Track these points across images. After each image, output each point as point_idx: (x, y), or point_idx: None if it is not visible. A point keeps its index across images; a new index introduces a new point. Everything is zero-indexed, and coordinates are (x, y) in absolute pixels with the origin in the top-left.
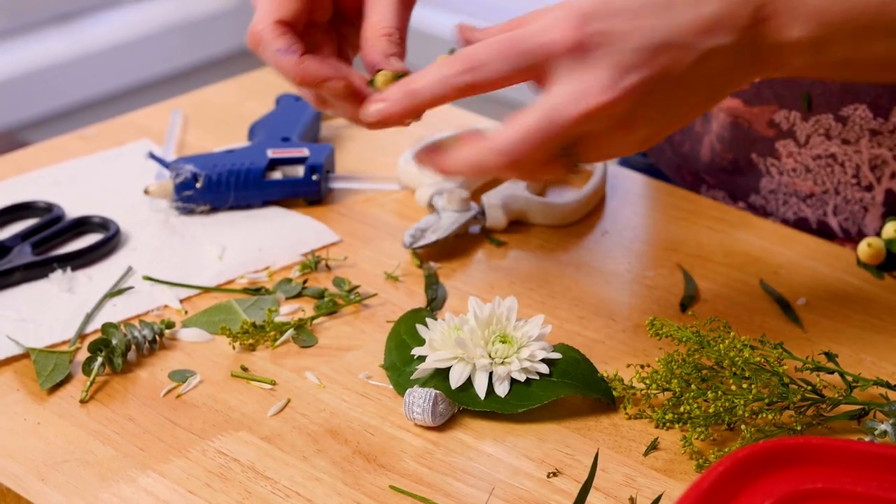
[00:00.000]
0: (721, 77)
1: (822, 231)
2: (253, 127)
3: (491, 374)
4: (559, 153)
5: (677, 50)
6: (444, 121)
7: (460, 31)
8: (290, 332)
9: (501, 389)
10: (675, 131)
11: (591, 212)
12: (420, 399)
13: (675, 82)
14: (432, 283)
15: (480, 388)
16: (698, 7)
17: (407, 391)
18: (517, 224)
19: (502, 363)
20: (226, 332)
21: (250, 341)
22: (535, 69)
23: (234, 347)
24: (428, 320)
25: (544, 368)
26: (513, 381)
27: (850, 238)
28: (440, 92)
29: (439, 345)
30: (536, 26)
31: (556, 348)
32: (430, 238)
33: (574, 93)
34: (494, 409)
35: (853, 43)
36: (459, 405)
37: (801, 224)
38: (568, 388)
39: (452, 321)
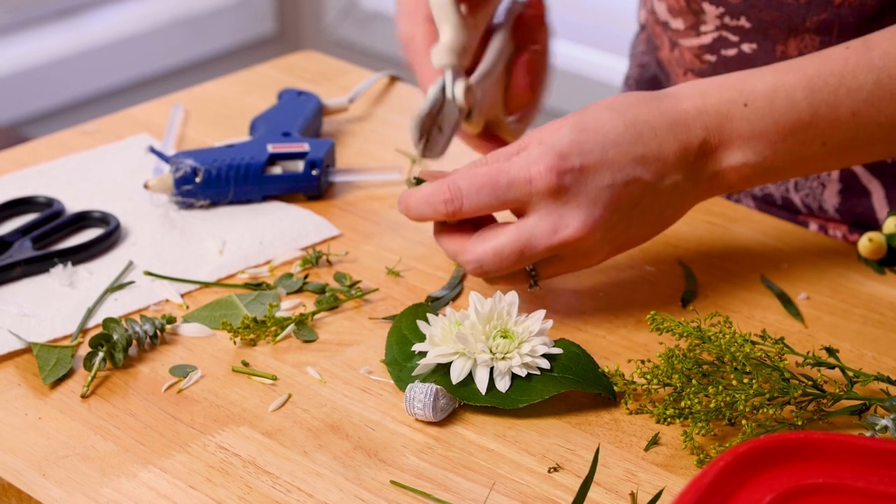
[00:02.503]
0: (672, 206)
1: (787, 206)
2: (254, 121)
3: (492, 369)
4: (525, 270)
5: (637, 188)
6: None
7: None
8: (291, 327)
9: (502, 384)
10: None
11: None
12: (421, 394)
13: (633, 215)
14: (455, 283)
15: (481, 384)
16: (653, 143)
17: (408, 386)
18: None
19: (503, 358)
20: (227, 327)
21: (251, 336)
22: (514, 203)
23: (234, 342)
24: (429, 315)
25: (545, 364)
26: (514, 377)
27: (813, 213)
28: (427, 213)
29: (440, 340)
30: (517, 163)
31: (556, 343)
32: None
33: (549, 227)
34: (495, 404)
35: (790, 155)
36: (460, 400)
37: (767, 199)
38: (569, 383)
39: (453, 316)
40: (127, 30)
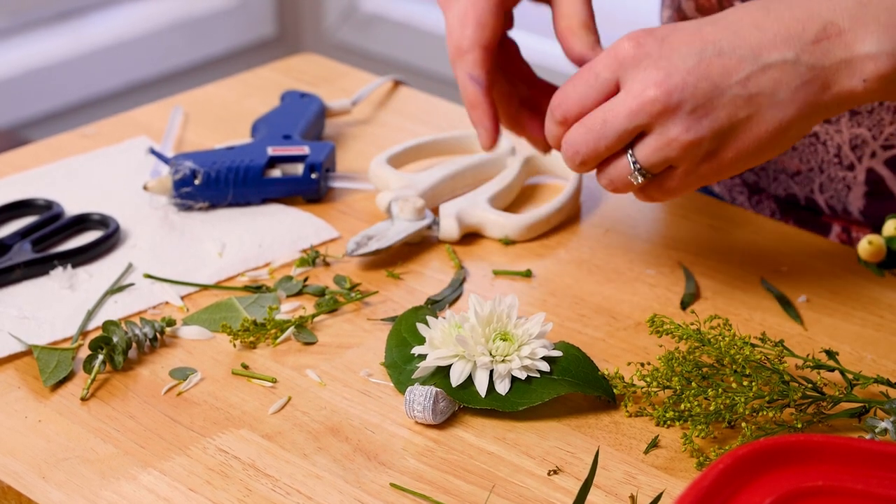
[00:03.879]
0: (784, 93)
1: (810, 208)
2: (255, 123)
3: (492, 371)
4: (623, 151)
5: (733, 59)
6: (448, 121)
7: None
8: (291, 329)
9: (502, 387)
10: (748, 167)
11: (589, 211)
12: (421, 397)
13: (729, 91)
14: (455, 286)
15: (481, 386)
16: (760, 30)
17: (408, 389)
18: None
19: (503, 361)
20: (227, 329)
21: (251, 339)
22: (609, 84)
23: (234, 345)
24: (429, 318)
25: (545, 366)
26: (514, 379)
27: (837, 215)
28: (549, 140)
29: (440, 343)
30: (605, 51)
31: (556, 346)
32: (372, 247)
33: (628, 90)
34: (495, 407)
35: None
36: (460, 403)
37: (790, 200)
38: (569, 386)
39: (453, 319)
40: (127, 32)
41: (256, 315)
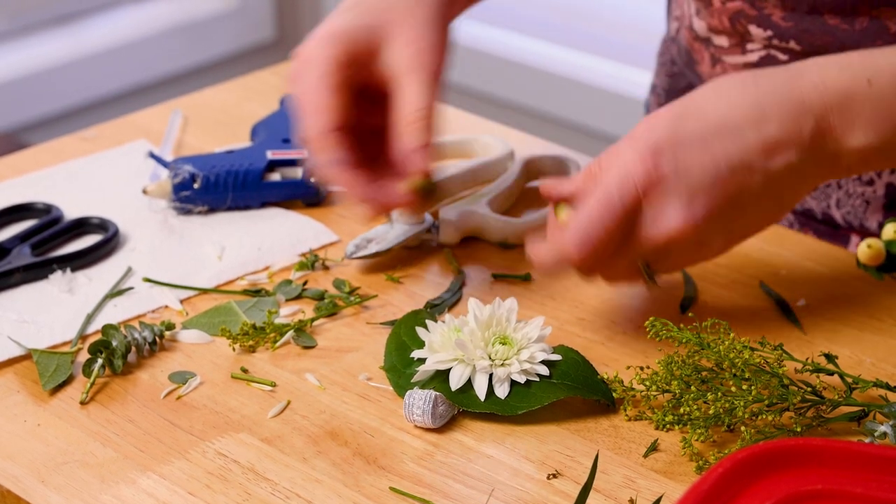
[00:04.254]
0: (788, 189)
1: (827, 222)
2: (255, 127)
3: (491, 375)
4: (639, 266)
5: (745, 173)
6: (452, 125)
7: (544, 190)
8: (290, 333)
9: (501, 391)
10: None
11: None
12: (420, 401)
13: (744, 202)
14: (454, 289)
15: (480, 390)
16: (762, 127)
17: (407, 393)
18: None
19: (502, 365)
20: (226, 333)
21: (250, 343)
22: (631, 209)
23: (234, 349)
24: (428, 322)
25: (544, 370)
26: (513, 383)
27: (853, 230)
28: (563, 266)
29: (439, 346)
30: (615, 173)
31: (555, 350)
32: (372, 249)
33: (650, 220)
34: (494, 411)
35: None
36: (459, 407)
37: (807, 214)
38: (568, 390)
39: (452, 323)
40: (126, 36)
41: (255, 319)
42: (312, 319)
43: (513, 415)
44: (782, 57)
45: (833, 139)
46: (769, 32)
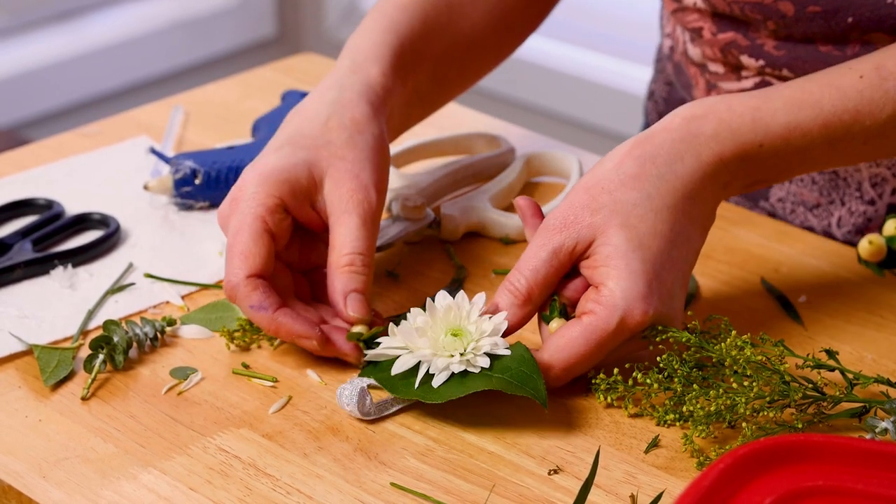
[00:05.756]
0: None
1: (828, 237)
2: (256, 123)
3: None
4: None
5: (697, 252)
6: (454, 121)
7: (519, 205)
8: None
9: (436, 380)
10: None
11: None
12: (348, 392)
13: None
14: (455, 284)
15: (418, 378)
16: (695, 212)
17: (341, 386)
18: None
19: (450, 355)
20: (223, 331)
21: (245, 340)
22: (617, 337)
23: (229, 347)
24: (412, 312)
25: (485, 362)
26: (454, 373)
27: (854, 245)
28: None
29: (398, 332)
30: (608, 320)
31: (513, 346)
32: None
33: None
34: (419, 398)
35: (794, 174)
36: (403, 401)
37: (808, 231)
38: (499, 383)
39: (416, 312)
40: (127, 32)
41: None
42: None
43: (437, 402)
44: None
45: (735, 188)
46: (762, 62)
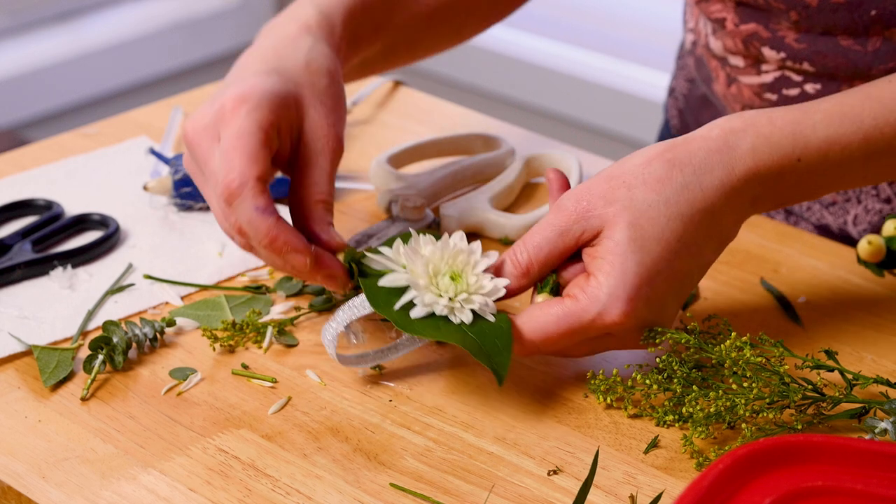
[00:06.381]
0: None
1: (843, 238)
2: None
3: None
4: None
5: (703, 267)
6: (448, 121)
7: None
8: (272, 332)
9: (416, 312)
10: None
11: None
12: (332, 330)
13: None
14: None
15: (403, 301)
16: (714, 235)
17: (326, 323)
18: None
19: (439, 295)
20: (207, 334)
21: (230, 342)
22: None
23: (214, 349)
24: (425, 235)
25: (467, 317)
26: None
27: None
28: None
29: (402, 250)
30: (589, 308)
31: (499, 315)
32: (372, 245)
33: (620, 341)
34: (386, 316)
35: (827, 191)
36: (377, 363)
37: (822, 230)
38: (470, 344)
39: (426, 239)
40: (127, 33)
41: (243, 316)
42: (292, 319)
43: (402, 328)
44: (796, 78)
45: (763, 206)
46: (783, 54)
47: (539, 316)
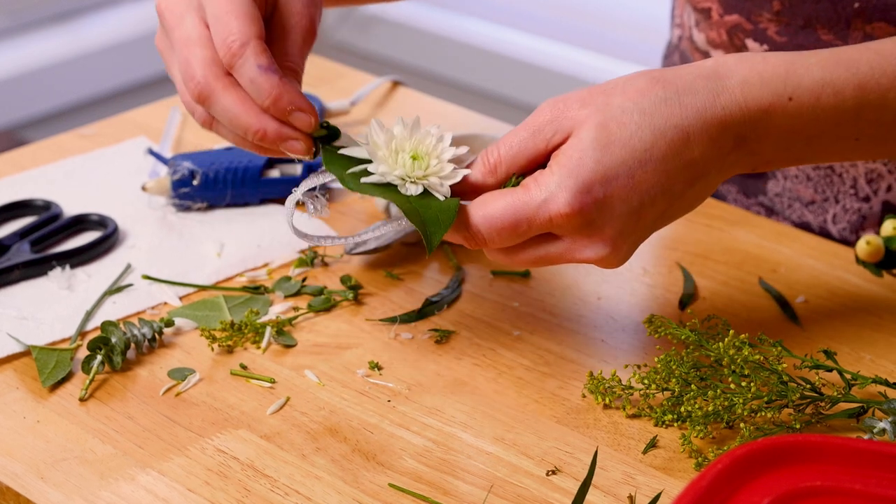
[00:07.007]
0: (700, 198)
1: (823, 236)
2: None
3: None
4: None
5: (667, 198)
6: (448, 121)
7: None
8: (271, 333)
9: (369, 178)
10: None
11: None
12: (290, 199)
13: (663, 219)
14: (454, 286)
15: (359, 168)
16: (685, 154)
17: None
18: None
19: (395, 168)
20: (206, 334)
21: (228, 343)
22: (541, 237)
23: (212, 349)
24: (401, 119)
25: (416, 190)
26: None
27: (849, 244)
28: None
29: (372, 125)
30: (535, 198)
31: (450, 199)
32: (371, 245)
33: (570, 250)
34: (338, 178)
35: (822, 148)
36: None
37: (803, 228)
38: (409, 209)
39: (398, 122)
40: (125, 33)
41: (241, 317)
42: (290, 319)
43: (351, 188)
44: None
45: (747, 150)
46: (765, 47)
47: (488, 201)
